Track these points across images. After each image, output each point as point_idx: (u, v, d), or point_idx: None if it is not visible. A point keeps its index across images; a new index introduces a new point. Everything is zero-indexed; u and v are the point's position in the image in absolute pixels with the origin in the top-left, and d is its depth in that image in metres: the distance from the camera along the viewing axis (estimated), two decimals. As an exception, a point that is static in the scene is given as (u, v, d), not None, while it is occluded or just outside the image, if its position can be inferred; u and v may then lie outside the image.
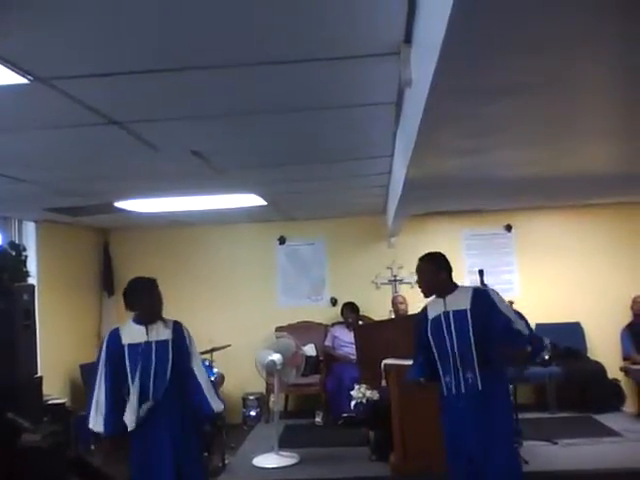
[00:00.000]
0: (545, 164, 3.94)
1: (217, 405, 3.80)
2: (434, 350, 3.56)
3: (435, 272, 3.61)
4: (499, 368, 3.56)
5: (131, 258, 7.31)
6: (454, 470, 3.57)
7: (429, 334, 3.58)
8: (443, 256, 3.70)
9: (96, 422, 3.62)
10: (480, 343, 3.44)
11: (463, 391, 3.46)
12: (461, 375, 3.47)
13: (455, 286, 3.63)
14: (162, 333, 3.72)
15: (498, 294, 3.61)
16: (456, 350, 3.47)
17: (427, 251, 3.78)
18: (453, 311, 3.52)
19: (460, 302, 3.53)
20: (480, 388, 3.43)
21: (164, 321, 3.78)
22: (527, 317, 3.63)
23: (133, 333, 3.70)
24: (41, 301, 5.88)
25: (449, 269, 3.64)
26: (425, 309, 3.70)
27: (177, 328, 3.80)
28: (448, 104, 2.15)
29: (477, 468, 3.43)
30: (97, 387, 3.65)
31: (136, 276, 3.88)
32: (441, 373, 3.55)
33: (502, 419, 3.51)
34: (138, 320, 3.75)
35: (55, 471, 4.42)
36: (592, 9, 1.45)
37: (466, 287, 3.73)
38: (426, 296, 3.69)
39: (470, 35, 1.49)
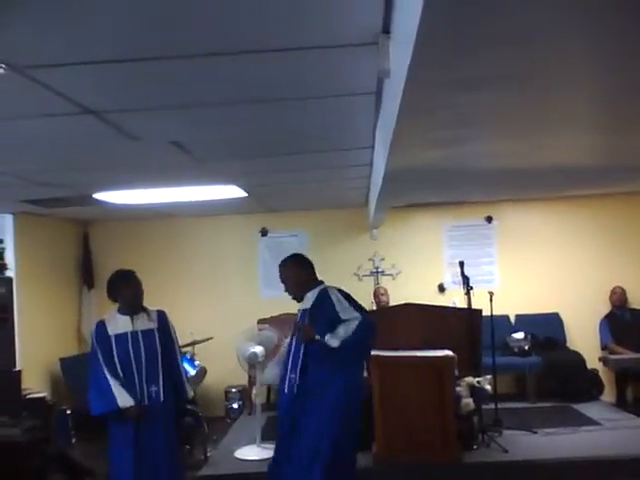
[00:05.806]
0: (525, 156, 3.96)
1: (190, 391, 4.10)
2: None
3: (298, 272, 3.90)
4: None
5: (111, 250, 7.24)
6: None
7: None
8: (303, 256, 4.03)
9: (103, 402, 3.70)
10: None
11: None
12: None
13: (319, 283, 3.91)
14: (147, 323, 3.83)
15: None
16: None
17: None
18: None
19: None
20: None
21: (147, 311, 3.89)
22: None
23: (119, 323, 3.81)
24: (19, 294, 5.83)
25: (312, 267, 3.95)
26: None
27: (161, 317, 3.92)
28: (425, 95, 2.14)
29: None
30: (95, 377, 3.72)
31: (117, 269, 4.00)
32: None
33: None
34: (122, 311, 3.85)
35: (35, 466, 4.38)
36: (566, 1, 1.45)
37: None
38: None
39: (444, 26, 1.48)
